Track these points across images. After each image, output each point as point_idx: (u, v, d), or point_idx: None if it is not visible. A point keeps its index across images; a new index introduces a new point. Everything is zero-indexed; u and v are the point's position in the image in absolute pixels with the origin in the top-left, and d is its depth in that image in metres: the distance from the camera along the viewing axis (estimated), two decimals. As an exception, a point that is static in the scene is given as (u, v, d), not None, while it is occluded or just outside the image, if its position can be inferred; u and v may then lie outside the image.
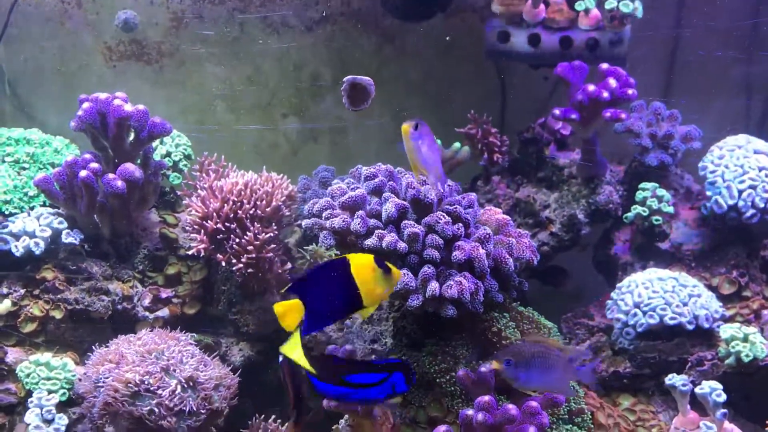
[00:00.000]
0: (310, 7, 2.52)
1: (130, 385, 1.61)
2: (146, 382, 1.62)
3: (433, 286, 1.58)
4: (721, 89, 2.47)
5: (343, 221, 1.62)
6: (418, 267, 1.61)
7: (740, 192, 2.05)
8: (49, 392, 1.84)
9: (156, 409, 1.62)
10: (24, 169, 2.15)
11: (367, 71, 1.92)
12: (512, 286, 1.75)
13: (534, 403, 1.50)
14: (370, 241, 1.60)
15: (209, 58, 2.61)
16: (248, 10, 2.55)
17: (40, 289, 1.98)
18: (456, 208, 1.66)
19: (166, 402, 1.62)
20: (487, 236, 1.67)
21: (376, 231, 1.61)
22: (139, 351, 1.69)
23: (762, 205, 2.03)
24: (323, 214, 1.66)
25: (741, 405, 1.89)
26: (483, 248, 1.63)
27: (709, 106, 2.31)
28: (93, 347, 1.88)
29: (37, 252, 1.97)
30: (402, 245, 1.60)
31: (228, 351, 2.10)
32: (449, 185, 1.75)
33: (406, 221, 1.63)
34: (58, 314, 1.96)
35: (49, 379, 1.85)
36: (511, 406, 1.47)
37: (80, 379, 1.82)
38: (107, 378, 1.65)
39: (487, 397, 1.48)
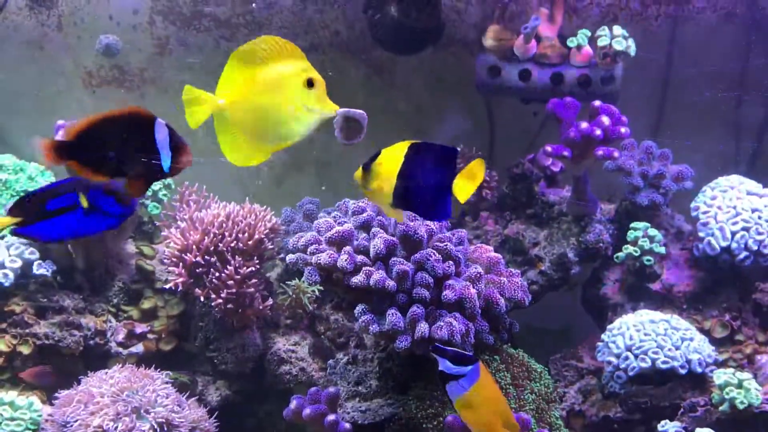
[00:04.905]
0: (299, 36, 2.48)
1: (99, 430, 1.51)
2: (116, 428, 1.52)
3: (423, 327, 1.52)
4: (712, 129, 2.46)
5: (330, 257, 1.57)
6: (407, 306, 1.55)
7: (733, 233, 2.02)
8: (13, 433, 1.75)
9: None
10: (-5, 195, 2.08)
11: (355, 102, 1.87)
12: (503, 327, 1.70)
13: (527, 452, 1.45)
14: (357, 279, 1.55)
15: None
16: (234, 38, 2.50)
17: (7, 322, 1.89)
18: (446, 245, 1.61)
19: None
20: (479, 275, 1.62)
21: (364, 268, 1.56)
22: (109, 391, 1.60)
23: (755, 248, 2.00)
24: (309, 249, 1.61)
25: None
26: (474, 288, 1.58)
27: (699, 147, 2.29)
28: (62, 385, 1.78)
29: (6, 284, 1.90)
30: (391, 283, 1.54)
31: (204, 390, 2.03)
32: (439, 221, 1.70)
33: (395, 258, 1.58)
34: (26, 349, 1.88)
35: (13, 419, 1.75)
36: (504, 455, 1.41)
37: (47, 420, 1.72)
38: (75, 421, 1.55)
39: (477, 446, 1.42)
